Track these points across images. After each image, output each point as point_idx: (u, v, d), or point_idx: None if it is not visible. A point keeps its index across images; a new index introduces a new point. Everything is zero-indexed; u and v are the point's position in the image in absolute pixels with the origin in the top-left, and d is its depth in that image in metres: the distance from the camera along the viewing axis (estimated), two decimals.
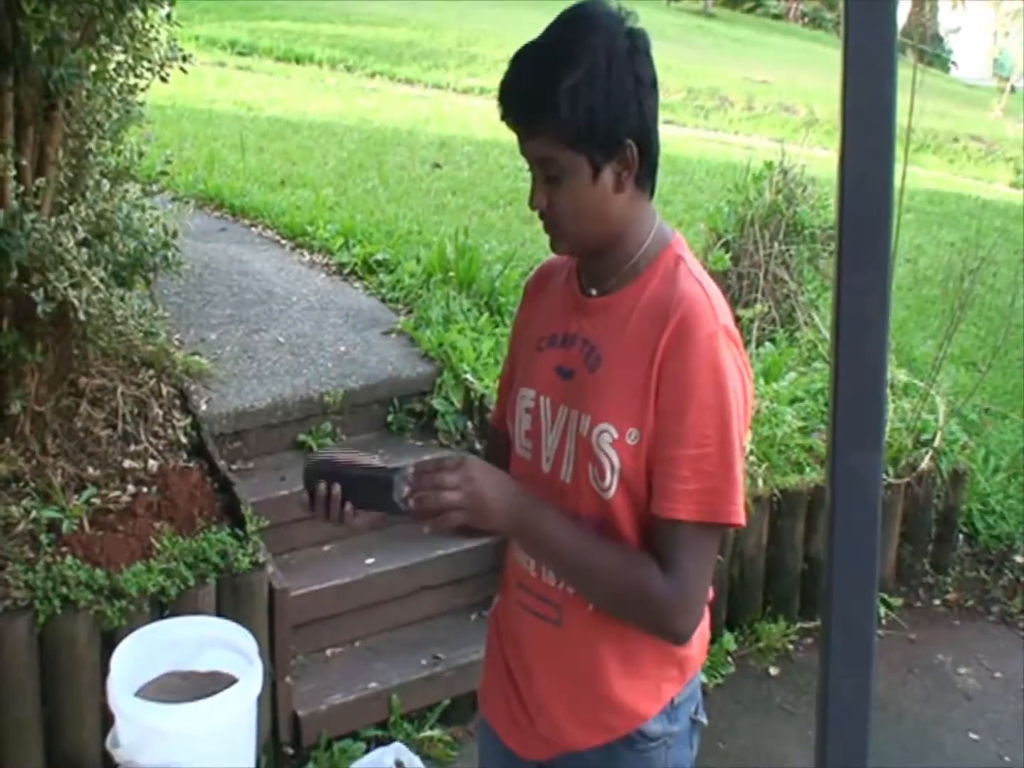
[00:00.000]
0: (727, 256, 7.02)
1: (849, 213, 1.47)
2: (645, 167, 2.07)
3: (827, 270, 7.33)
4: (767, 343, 6.64)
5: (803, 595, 5.49)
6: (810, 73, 24.13)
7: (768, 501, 5.33)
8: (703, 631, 2.26)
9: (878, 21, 1.40)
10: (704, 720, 2.32)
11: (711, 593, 2.14)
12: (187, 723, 2.15)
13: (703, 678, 4.76)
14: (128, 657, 2.31)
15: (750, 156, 7.66)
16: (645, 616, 2.07)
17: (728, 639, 5.21)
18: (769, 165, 7.37)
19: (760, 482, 5.33)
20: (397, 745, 2.41)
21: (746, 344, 6.39)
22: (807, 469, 5.54)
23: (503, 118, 2.04)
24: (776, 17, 40.83)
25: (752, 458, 5.40)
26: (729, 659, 5.15)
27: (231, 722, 2.22)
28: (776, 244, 7.10)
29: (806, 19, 41.77)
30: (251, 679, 2.24)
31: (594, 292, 2.17)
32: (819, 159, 9.77)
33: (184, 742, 2.16)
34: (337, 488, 2.04)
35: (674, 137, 15.87)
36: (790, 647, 5.29)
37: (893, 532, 5.69)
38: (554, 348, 2.20)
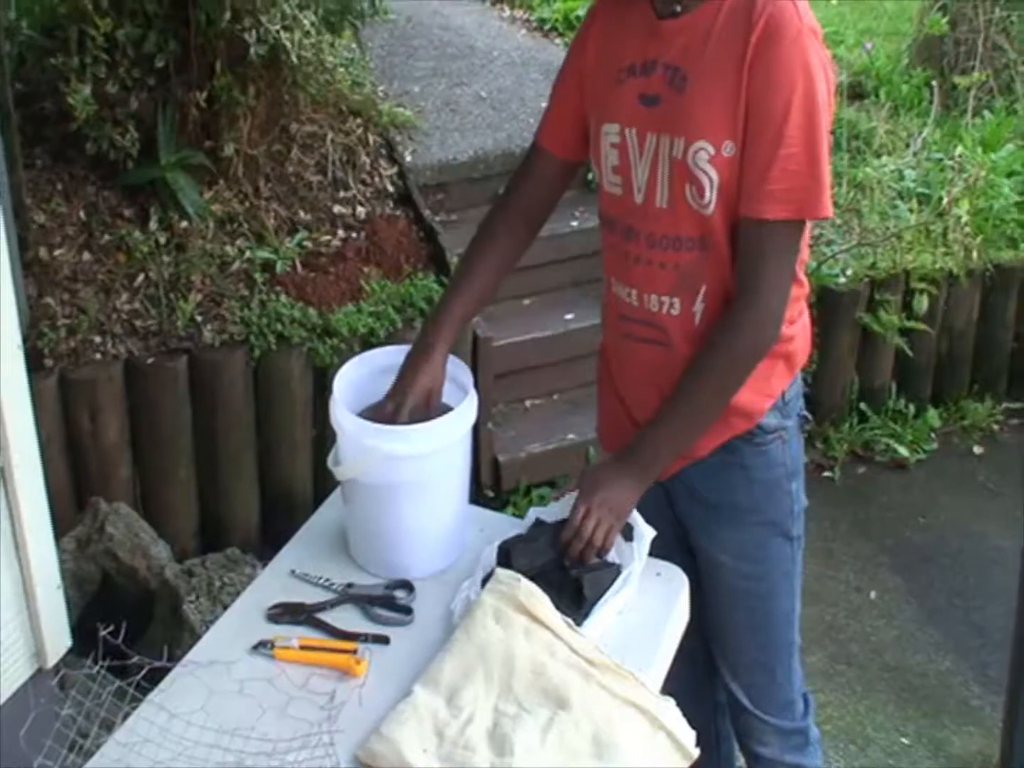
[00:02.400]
0: (944, 19, 6.65)
1: None
2: None
3: None
4: (985, 113, 6.32)
5: (1011, 375, 5.33)
6: None
7: (981, 275, 5.15)
8: (804, 325, 2.34)
9: None
10: (809, 416, 2.42)
11: (804, 285, 2.27)
12: (407, 444, 2.17)
13: (905, 453, 4.77)
14: (350, 379, 2.33)
15: None
16: (756, 358, 2.16)
17: (932, 415, 5.11)
18: None
19: (974, 255, 5.14)
20: None
21: (962, 113, 6.11)
22: (1022, 245, 5.31)
23: None
24: None
25: (966, 230, 5.19)
26: (933, 435, 5.05)
27: (449, 446, 2.23)
28: (996, 10, 6.69)
29: None
30: (468, 407, 2.24)
31: (676, 10, 2.12)
32: None
33: (403, 463, 2.18)
34: None
35: None
36: (996, 427, 5.16)
37: None
38: (634, 78, 2.16)
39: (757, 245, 2.08)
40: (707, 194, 2.09)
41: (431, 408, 2.27)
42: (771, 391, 2.27)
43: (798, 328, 2.28)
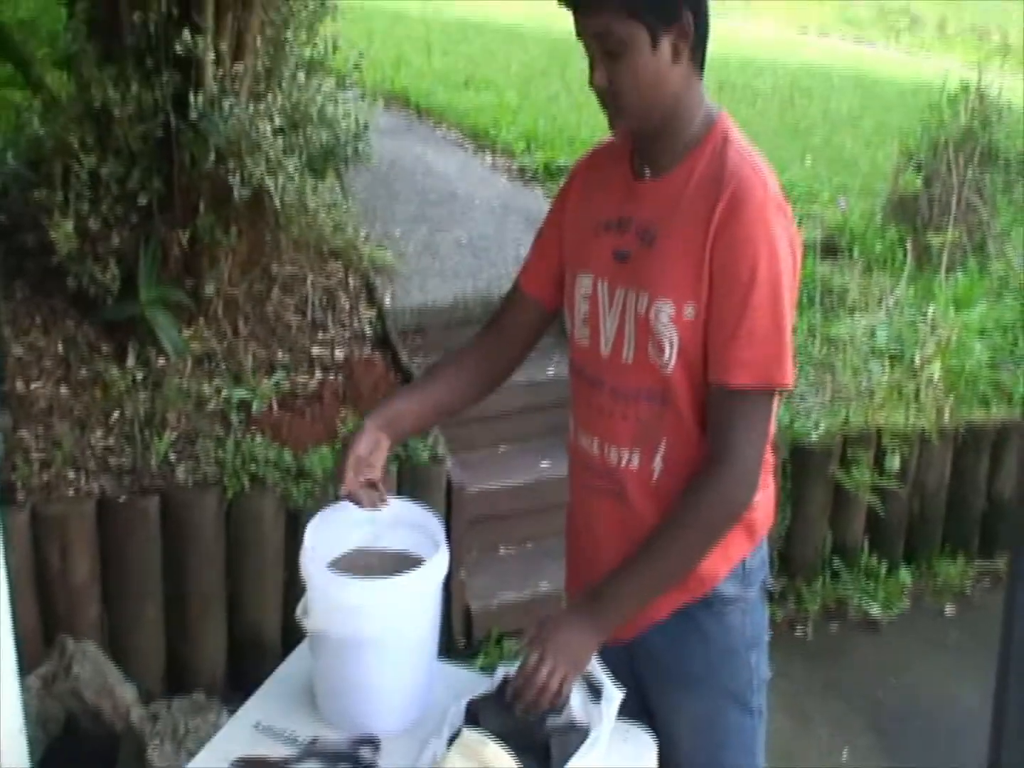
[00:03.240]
0: (918, 178, 6.80)
1: None
2: (699, 42, 2.10)
3: (1022, 200, 7.08)
4: (958, 271, 6.43)
5: (983, 534, 5.33)
6: None
7: (953, 435, 5.18)
8: (768, 496, 2.33)
9: None
10: (772, 587, 2.41)
11: (771, 458, 2.25)
12: (377, 598, 2.16)
13: (877, 612, 4.75)
14: (321, 530, 2.32)
15: (944, 78, 7.37)
16: (728, 521, 2.16)
17: (904, 573, 5.10)
18: (965, 88, 7.09)
19: (946, 415, 5.18)
20: None
21: (935, 271, 6.22)
22: (994, 404, 5.37)
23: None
24: None
25: (939, 389, 5.25)
26: (904, 594, 5.04)
27: (419, 601, 2.22)
28: (970, 170, 6.84)
29: None
30: (439, 560, 2.23)
31: (647, 174, 2.19)
32: (1015, 86, 9.37)
33: (372, 616, 2.16)
34: None
35: (864, 55, 15.41)
36: (968, 587, 5.15)
37: None
38: (610, 232, 2.22)
39: (727, 413, 2.11)
40: (667, 353, 2.13)
41: (380, 470, 2.28)
42: (729, 558, 2.26)
43: (761, 498, 2.25)
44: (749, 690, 2.36)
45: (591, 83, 2.12)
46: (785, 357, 2.09)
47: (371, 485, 2.26)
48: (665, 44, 2.05)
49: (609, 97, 2.11)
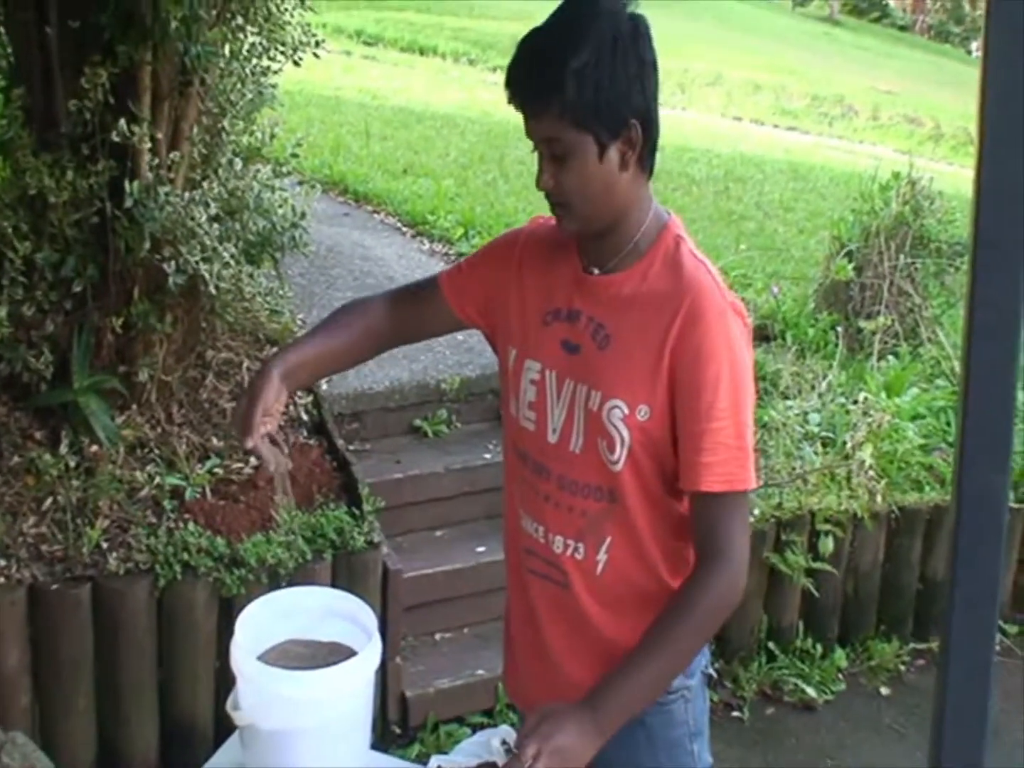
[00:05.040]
0: (850, 266, 6.92)
1: (985, 226, 1.43)
2: (647, 147, 2.12)
3: (953, 286, 7.20)
4: (890, 357, 6.53)
5: (917, 616, 5.38)
6: (936, 86, 23.75)
7: (886, 518, 5.24)
8: None
9: (1019, 36, 1.37)
10: (714, 674, 2.43)
11: None
12: (309, 690, 2.14)
13: (813, 693, 4.77)
14: (252, 622, 2.30)
15: (876, 166, 7.53)
16: (724, 614, 2.17)
17: (840, 655, 5.14)
18: (896, 176, 7.24)
19: (879, 498, 5.24)
20: (505, 727, 2.38)
21: (867, 356, 6.30)
22: (927, 488, 5.45)
23: (510, 101, 2.09)
24: (902, 28, 40.21)
25: (871, 473, 5.31)
26: (840, 676, 5.07)
27: (351, 692, 2.21)
28: (901, 256, 6.97)
29: (932, 32, 41.08)
30: (371, 651, 2.23)
31: (596, 272, 2.21)
32: (946, 173, 9.60)
33: (305, 708, 2.15)
34: None
35: (798, 143, 15.71)
36: (902, 668, 5.18)
37: (1012, 558, 5.54)
38: (559, 322, 2.22)
39: (710, 515, 2.13)
40: (617, 451, 2.14)
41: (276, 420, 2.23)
42: None
43: None
44: None
45: (538, 184, 2.13)
46: (747, 462, 2.12)
47: (271, 440, 2.23)
48: (613, 153, 2.07)
49: (555, 199, 2.14)
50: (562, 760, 2.03)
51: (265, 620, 2.36)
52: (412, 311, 2.45)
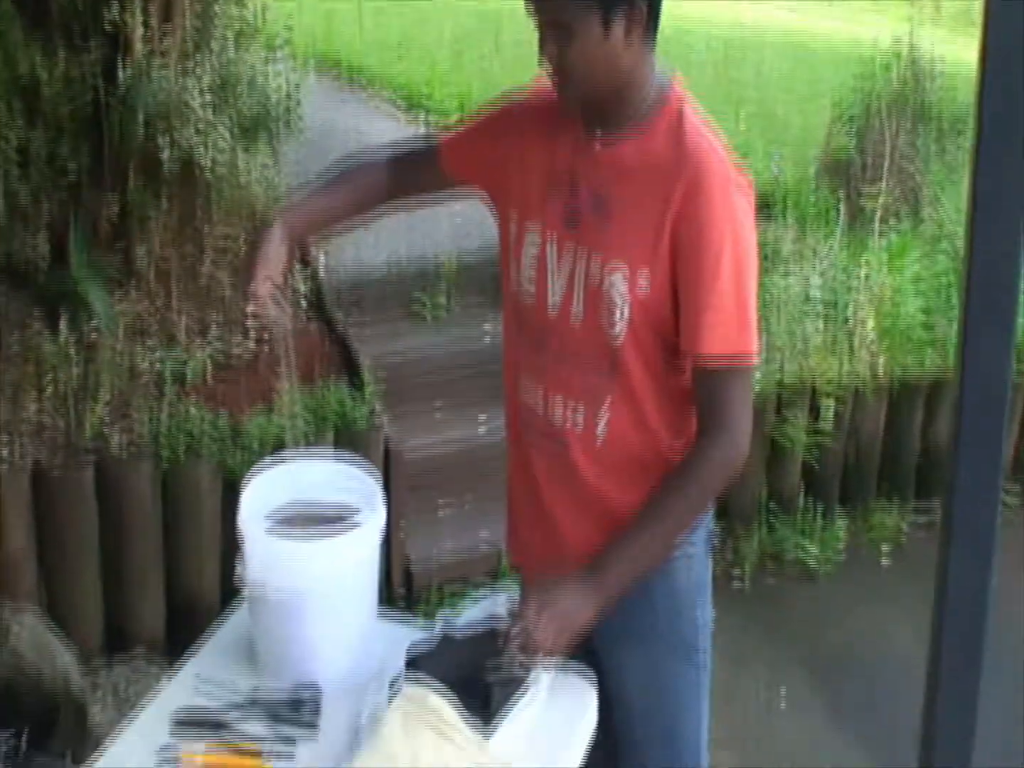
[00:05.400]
0: (851, 140, 6.84)
1: (989, 96, 1.41)
2: (651, 20, 2.09)
3: (955, 160, 7.13)
4: (890, 229, 6.48)
5: (919, 484, 5.39)
6: None
7: (887, 388, 5.25)
8: None
9: None
10: (716, 540, 2.46)
11: None
12: (315, 555, 2.17)
13: (814, 562, 4.80)
14: (257, 489, 2.32)
15: (875, 41, 7.41)
16: (724, 484, 2.21)
17: (840, 524, 5.15)
18: (897, 53, 7.14)
19: (880, 368, 5.24)
20: (507, 594, 2.42)
21: (868, 229, 6.26)
22: (928, 357, 5.43)
23: None
24: None
25: (872, 344, 5.30)
26: (840, 544, 5.08)
27: (357, 558, 2.23)
28: (902, 130, 6.89)
29: None
30: (376, 517, 2.24)
31: (598, 138, 2.18)
32: (946, 52, 9.44)
33: (312, 575, 2.17)
34: None
35: (797, 21, 15.44)
36: (904, 535, 5.20)
37: (1013, 427, 5.54)
38: (560, 191, 2.21)
39: (712, 386, 2.15)
40: (618, 323, 2.14)
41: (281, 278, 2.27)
42: None
43: None
44: (693, 644, 2.39)
45: (540, 63, 2.10)
46: (748, 331, 2.13)
47: (274, 301, 2.25)
48: (617, 28, 2.04)
49: (557, 75, 2.11)
50: (563, 622, 2.10)
51: (270, 488, 2.37)
52: (411, 175, 2.45)
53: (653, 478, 2.20)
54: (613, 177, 2.15)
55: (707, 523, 2.38)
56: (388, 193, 2.46)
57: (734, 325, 2.11)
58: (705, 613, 2.41)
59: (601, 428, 2.22)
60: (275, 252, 2.24)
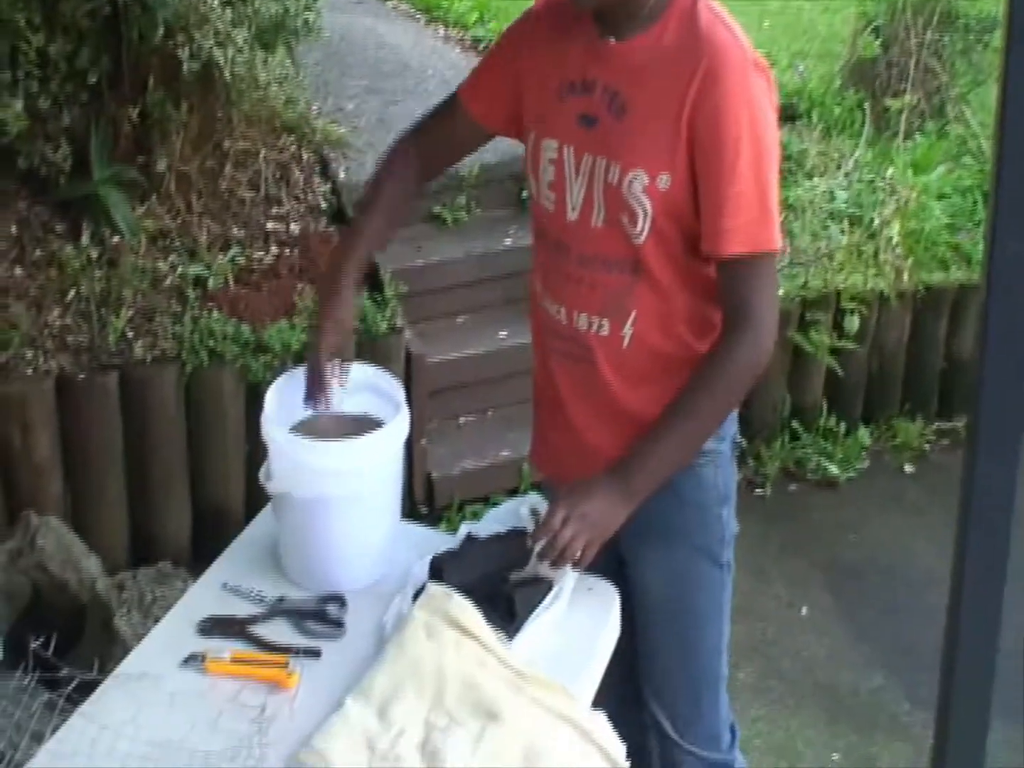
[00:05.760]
0: (876, 42, 6.73)
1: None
2: None
3: (981, 63, 7.02)
4: (916, 135, 6.40)
5: (942, 395, 5.38)
6: None
7: (912, 297, 5.22)
8: None
9: None
10: (743, 442, 2.49)
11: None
12: (339, 460, 2.17)
13: (836, 471, 4.80)
14: (282, 394, 2.32)
15: None
16: (751, 381, 2.19)
17: (863, 434, 5.14)
18: None
19: (905, 277, 5.21)
20: (534, 496, 2.43)
21: (894, 135, 6.19)
22: (953, 267, 5.39)
23: None
24: None
25: (897, 251, 5.26)
26: (863, 454, 5.09)
27: (381, 462, 2.24)
28: (928, 33, 6.77)
29: None
30: (400, 421, 2.24)
31: (612, 38, 2.15)
32: None
33: (334, 477, 2.18)
34: None
35: None
36: (927, 447, 5.20)
37: None
38: (574, 96, 2.18)
39: (734, 281, 2.13)
40: (639, 223, 2.12)
41: (345, 342, 2.31)
42: None
43: None
44: (719, 544, 2.40)
45: None
46: (770, 222, 2.10)
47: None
48: None
49: None
50: (590, 525, 2.10)
51: (294, 393, 2.37)
52: (441, 136, 2.42)
53: (679, 378, 2.19)
54: (628, 74, 2.13)
55: (733, 428, 2.38)
56: (429, 171, 2.47)
57: (755, 221, 2.09)
58: (731, 514, 2.42)
59: (627, 331, 2.21)
60: (344, 306, 2.28)
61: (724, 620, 2.49)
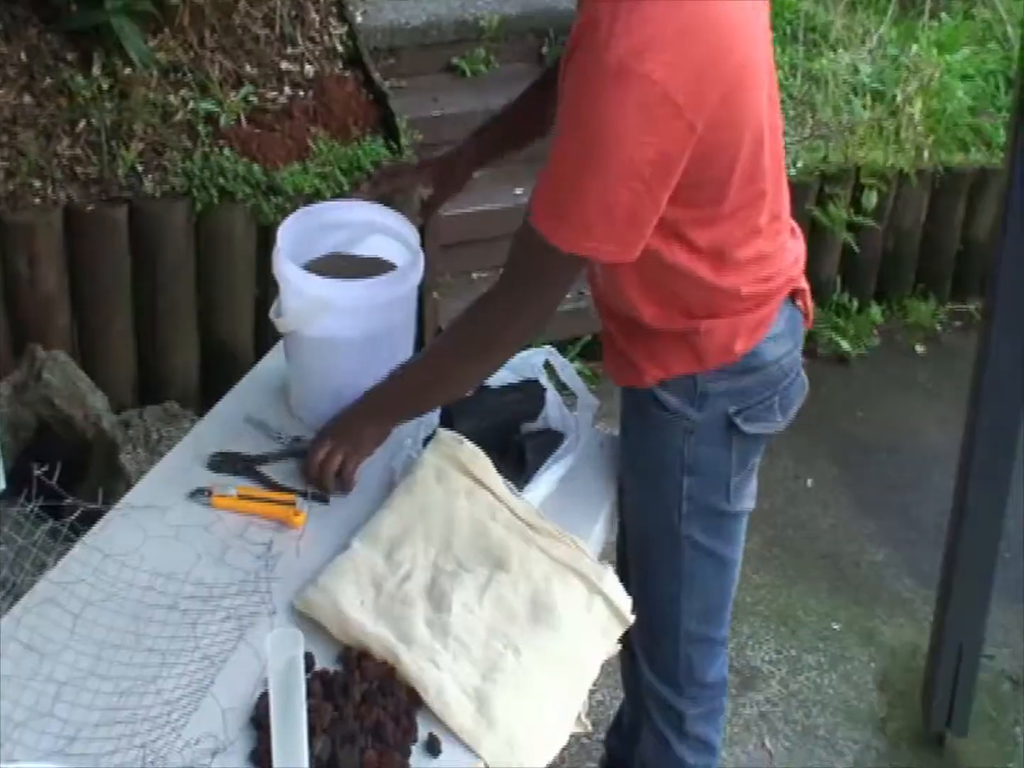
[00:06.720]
0: None
1: None
2: None
3: None
4: (942, 15, 6.26)
5: (956, 277, 5.34)
6: None
7: (931, 176, 5.15)
8: (731, 326, 2.09)
9: None
10: (746, 430, 2.17)
11: (747, 289, 2.08)
12: (352, 298, 2.14)
13: (847, 347, 4.78)
14: (295, 230, 2.28)
15: None
16: (479, 348, 2.07)
17: (876, 312, 5.13)
18: None
19: (925, 155, 5.14)
20: (548, 347, 2.41)
21: (919, 13, 6.04)
22: (973, 150, 5.31)
23: None
24: None
25: (919, 129, 5.18)
26: (875, 332, 5.08)
27: (394, 302, 2.21)
28: None
29: None
30: (414, 265, 2.21)
31: None
32: None
33: (347, 316, 2.15)
34: None
35: None
36: (939, 328, 5.19)
37: None
38: None
39: (515, 240, 1.98)
40: None
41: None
42: (665, 365, 2.12)
43: (718, 325, 2.08)
44: (675, 513, 2.20)
45: None
46: (574, 216, 1.84)
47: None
48: None
49: None
50: (344, 440, 2.11)
51: (308, 231, 2.33)
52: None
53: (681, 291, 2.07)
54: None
55: (730, 401, 2.14)
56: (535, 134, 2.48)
57: (557, 200, 1.86)
58: (701, 495, 2.20)
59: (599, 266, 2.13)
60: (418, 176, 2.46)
61: (683, 584, 2.27)
